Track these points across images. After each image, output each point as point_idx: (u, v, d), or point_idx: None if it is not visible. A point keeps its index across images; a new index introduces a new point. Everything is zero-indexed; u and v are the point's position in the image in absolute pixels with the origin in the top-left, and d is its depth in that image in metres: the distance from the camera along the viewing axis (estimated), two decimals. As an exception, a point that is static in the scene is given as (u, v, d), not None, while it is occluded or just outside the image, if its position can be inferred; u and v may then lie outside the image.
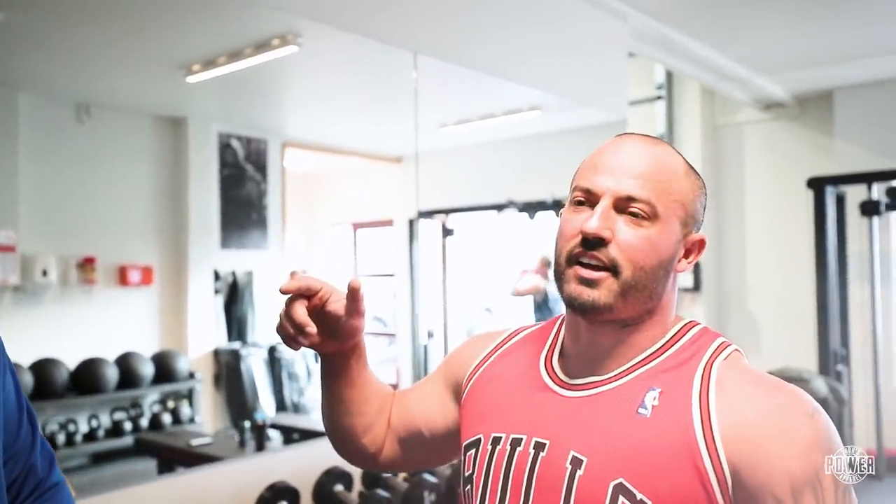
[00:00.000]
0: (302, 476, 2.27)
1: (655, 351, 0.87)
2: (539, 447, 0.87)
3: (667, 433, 0.80)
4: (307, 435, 3.59)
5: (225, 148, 4.77)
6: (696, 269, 5.33)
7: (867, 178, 4.53)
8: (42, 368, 3.68)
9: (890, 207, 4.50)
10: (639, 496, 0.78)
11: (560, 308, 1.16)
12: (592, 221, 0.83)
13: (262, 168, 4.98)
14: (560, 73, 3.34)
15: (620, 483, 0.79)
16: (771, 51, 4.41)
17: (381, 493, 2.35)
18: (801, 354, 4.81)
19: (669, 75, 5.33)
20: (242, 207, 4.88)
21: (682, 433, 0.79)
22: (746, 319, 5.40)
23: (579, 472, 0.82)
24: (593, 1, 3.32)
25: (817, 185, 4.65)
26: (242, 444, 3.28)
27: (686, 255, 0.89)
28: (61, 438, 3.70)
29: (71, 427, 3.77)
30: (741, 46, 4.28)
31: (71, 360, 3.86)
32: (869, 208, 4.51)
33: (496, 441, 0.91)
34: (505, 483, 0.88)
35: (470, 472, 0.94)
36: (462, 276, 5.85)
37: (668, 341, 0.88)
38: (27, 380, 3.56)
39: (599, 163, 0.87)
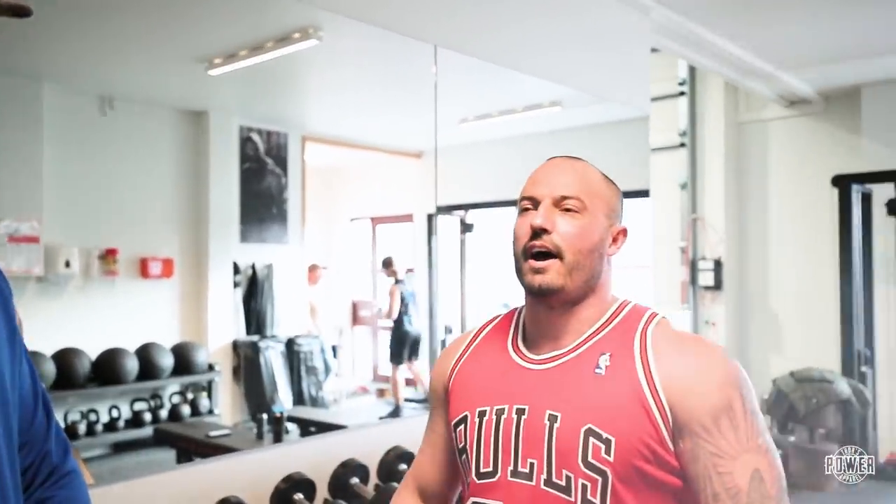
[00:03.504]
0: (318, 468, 2.27)
1: (601, 325, 1.09)
2: (520, 412, 1.06)
3: (619, 385, 1.02)
4: (324, 428, 3.60)
5: (246, 141, 4.79)
6: (717, 268, 5.27)
7: (894, 177, 4.45)
8: (64, 358, 3.72)
9: (917, 206, 4.42)
10: (604, 435, 1.00)
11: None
12: (537, 217, 1.06)
13: (282, 162, 5.00)
14: (582, 68, 3.31)
15: (589, 427, 1.01)
16: (796, 46, 4.35)
17: (397, 485, 2.34)
18: (824, 355, 4.74)
19: (692, 71, 5.27)
20: (262, 201, 4.90)
21: (631, 383, 1.02)
22: (768, 319, 5.33)
23: (556, 425, 1.03)
24: (616, -6, 3.29)
25: (842, 182, 4.58)
26: (260, 436, 3.29)
27: (614, 242, 1.12)
28: (82, 428, 3.74)
29: (92, 416, 3.82)
30: (765, 41, 4.22)
31: (93, 350, 3.90)
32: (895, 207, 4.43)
33: (482, 413, 1.10)
34: (496, 444, 1.07)
35: (463, 443, 1.12)
36: (481, 272, 5.84)
37: (609, 317, 1.10)
38: (50, 369, 3.59)
39: (537, 178, 1.12)
